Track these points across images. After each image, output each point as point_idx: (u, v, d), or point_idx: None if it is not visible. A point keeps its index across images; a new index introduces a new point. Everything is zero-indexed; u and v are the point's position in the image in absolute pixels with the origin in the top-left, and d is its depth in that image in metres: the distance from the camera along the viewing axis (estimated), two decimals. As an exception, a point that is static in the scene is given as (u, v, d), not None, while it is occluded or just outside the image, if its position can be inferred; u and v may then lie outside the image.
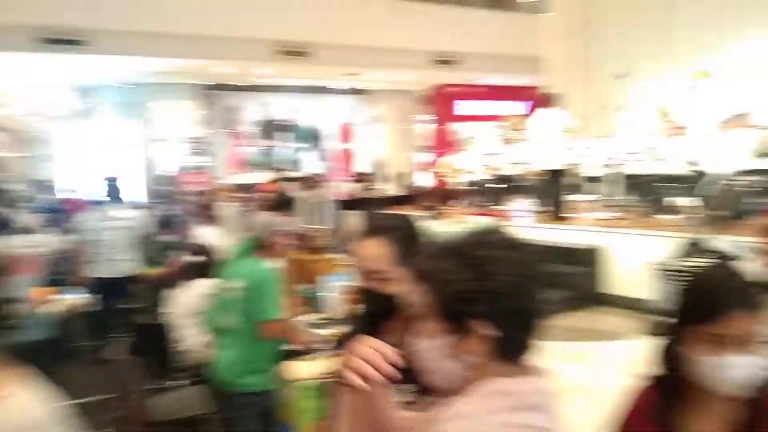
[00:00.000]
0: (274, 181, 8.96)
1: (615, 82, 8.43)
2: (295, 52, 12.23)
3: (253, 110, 16.02)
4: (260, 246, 3.24)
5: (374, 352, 1.03)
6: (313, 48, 12.28)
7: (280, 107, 16.32)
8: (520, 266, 0.99)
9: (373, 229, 1.53)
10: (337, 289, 3.86)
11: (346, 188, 13.39)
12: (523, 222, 8.68)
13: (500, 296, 0.97)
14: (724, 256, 4.32)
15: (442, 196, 5.94)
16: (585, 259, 7.21)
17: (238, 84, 15.35)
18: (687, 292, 1.33)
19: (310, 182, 10.80)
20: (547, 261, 7.42)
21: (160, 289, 4.92)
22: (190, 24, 11.03)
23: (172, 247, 6.13)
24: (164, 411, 3.90)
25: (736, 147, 7.01)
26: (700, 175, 7.24)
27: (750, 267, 4.43)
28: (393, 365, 1.02)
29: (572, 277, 7.10)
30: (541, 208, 8.97)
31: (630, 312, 6.58)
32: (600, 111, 8.18)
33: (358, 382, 1.02)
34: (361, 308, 1.53)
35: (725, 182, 4.76)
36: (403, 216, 1.66)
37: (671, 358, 1.32)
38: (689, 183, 7.51)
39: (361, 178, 14.02)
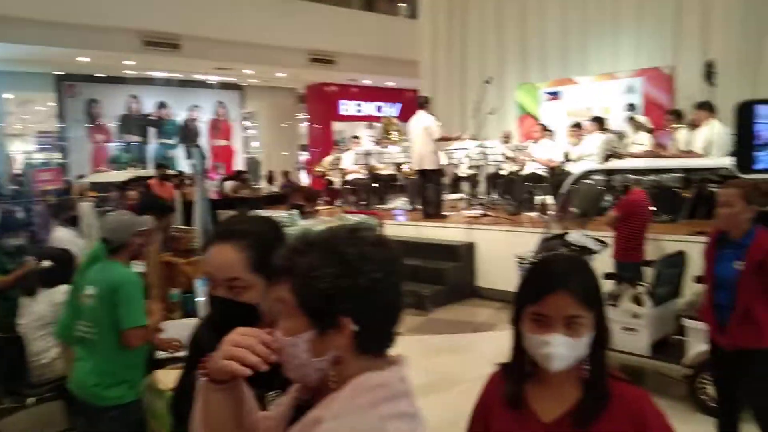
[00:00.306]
0: (139, 179, 8.37)
1: (484, 87, 8.89)
2: (164, 44, 11.57)
3: (118, 104, 14.93)
4: (115, 249, 2.98)
5: (248, 337, 0.98)
6: (183, 40, 11.70)
7: (148, 101, 15.36)
8: (384, 262, 0.99)
9: (225, 233, 1.42)
10: (211, 291, 3.67)
11: (220, 186, 12.89)
12: (400, 219, 8.90)
13: (365, 292, 0.96)
14: (579, 248, 4.68)
15: (312, 195, 5.92)
16: (461, 254, 7.53)
17: (102, 75, 14.24)
18: (523, 278, 1.41)
19: (179, 180, 10.25)
20: (424, 257, 7.66)
21: (9, 298, 4.42)
22: (50, 9, 10.02)
23: (21, 251, 5.53)
24: (22, 429, 3.55)
25: (591, 149, 7.67)
26: (562, 174, 7.84)
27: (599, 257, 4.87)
28: (268, 347, 0.98)
29: (449, 272, 7.39)
30: (418, 206, 9.23)
31: (502, 304, 6.98)
32: (473, 114, 8.58)
33: (236, 366, 0.96)
34: (209, 318, 1.42)
35: (582, 181, 5.17)
36: (264, 218, 1.56)
37: (516, 340, 1.38)
38: (552, 182, 8.11)
39: (235, 176, 13.57)
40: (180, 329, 3.21)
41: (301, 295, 0.97)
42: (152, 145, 15.47)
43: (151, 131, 15.47)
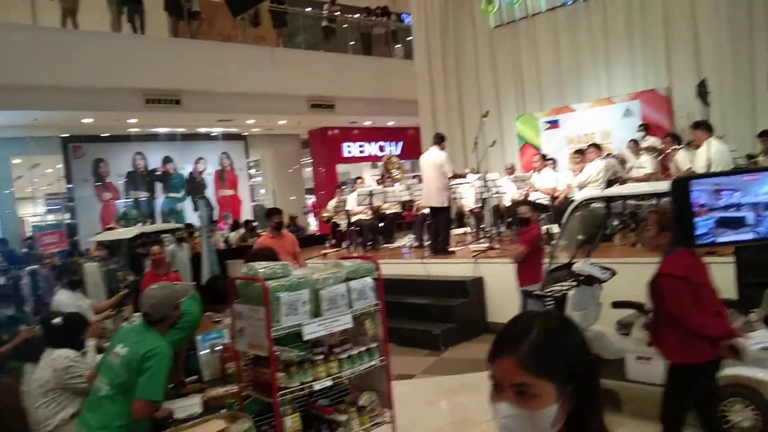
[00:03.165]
0: (146, 235, 8.41)
1: (483, 121, 8.97)
2: (165, 100, 11.81)
3: (125, 161, 15.18)
4: (155, 321, 3.03)
5: None
6: (184, 95, 11.95)
7: (153, 157, 15.60)
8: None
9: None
10: (212, 348, 3.64)
11: (228, 237, 12.96)
12: (409, 258, 8.86)
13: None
14: (585, 277, 4.62)
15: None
16: (470, 290, 7.46)
17: (107, 134, 14.53)
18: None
19: (183, 234, 10.33)
20: (434, 294, 7.58)
21: (8, 369, 4.40)
22: (54, 75, 10.30)
23: (14, 321, 5.52)
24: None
25: (593, 175, 7.65)
26: (566, 202, 7.81)
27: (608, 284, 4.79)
28: None
29: (459, 309, 7.31)
30: (425, 243, 9.20)
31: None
32: (474, 148, 8.63)
33: None
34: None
35: (585, 209, 5.14)
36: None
37: None
38: (556, 211, 8.07)
39: (242, 225, 13.64)
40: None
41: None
42: (160, 200, 15.64)
43: (158, 186, 15.68)
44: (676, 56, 9.42)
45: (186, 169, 16.11)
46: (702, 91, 6.91)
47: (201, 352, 3.80)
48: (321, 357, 2.92)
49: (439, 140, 8.26)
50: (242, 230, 13.50)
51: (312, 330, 2.81)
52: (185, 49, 11.98)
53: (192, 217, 14.30)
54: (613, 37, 10.13)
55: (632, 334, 4.31)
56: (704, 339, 2.99)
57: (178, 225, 11.61)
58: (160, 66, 11.47)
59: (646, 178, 7.70)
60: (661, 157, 8.00)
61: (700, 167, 6.70)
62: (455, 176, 8.35)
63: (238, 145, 17.05)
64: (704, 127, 6.83)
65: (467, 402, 5.28)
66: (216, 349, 3.72)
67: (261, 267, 2.84)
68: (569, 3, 10.68)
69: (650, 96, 9.51)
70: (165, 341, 3.05)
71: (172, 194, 15.85)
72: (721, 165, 6.61)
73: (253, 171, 17.93)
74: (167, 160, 15.79)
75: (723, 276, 3.87)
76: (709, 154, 6.48)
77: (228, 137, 16.68)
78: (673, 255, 3.06)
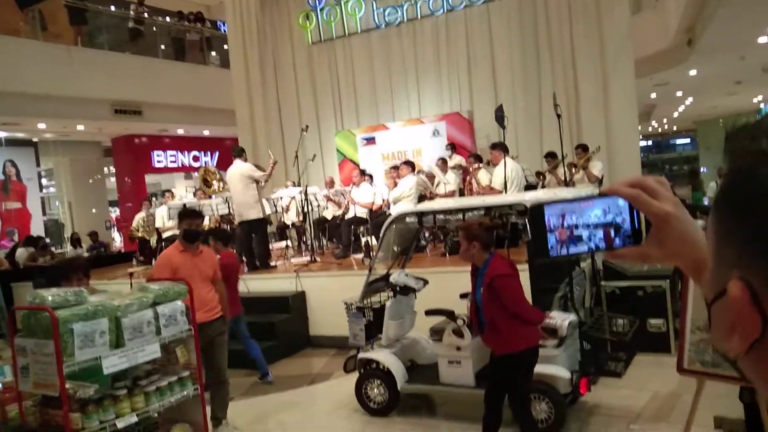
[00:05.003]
0: None
1: (302, 135, 8.98)
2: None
3: None
4: None
5: None
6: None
7: None
8: None
9: None
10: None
11: (14, 255, 11.29)
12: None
13: None
14: (401, 287, 4.82)
15: (87, 270, 4.25)
16: (292, 304, 7.35)
17: None
18: None
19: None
20: (255, 311, 7.35)
21: None
22: None
23: None
24: None
25: (406, 190, 8.05)
26: (382, 216, 8.10)
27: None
28: None
29: (281, 325, 7.15)
30: (245, 258, 8.90)
31: (336, 350, 6.90)
32: (295, 161, 8.57)
33: None
34: None
35: (400, 222, 5.38)
36: None
37: None
38: (374, 224, 8.34)
39: (31, 242, 11.98)
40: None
41: None
42: None
43: None
44: (477, 82, 10.37)
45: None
46: (499, 115, 7.64)
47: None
48: (124, 392, 2.63)
49: (240, 153, 8.21)
50: (32, 248, 11.85)
51: (112, 363, 2.52)
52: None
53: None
54: (422, 61, 10.84)
55: (444, 340, 4.57)
56: (531, 326, 3.55)
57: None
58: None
59: (452, 194, 8.32)
60: (466, 175, 8.70)
61: (498, 184, 7.39)
62: (263, 170, 8.11)
63: (27, 152, 15.01)
64: (500, 147, 7.56)
65: (290, 419, 5.18)
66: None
67: (49, 294, 2.48)
68: (382, 27, 11.18)
69: (455, 118, 10.32)
70: None
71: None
72: (516, 182, 7.37)
73: (45, 181, 15.93)
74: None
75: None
76: (505, 172, 7.17)
77: (13, 143, 14.60)
78: (493, 259, 3.55)
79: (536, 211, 0.75)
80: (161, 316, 2.77)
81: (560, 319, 4.28)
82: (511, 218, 5.26)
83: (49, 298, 2.45)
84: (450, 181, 8.46)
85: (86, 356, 2.44)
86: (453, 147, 9.64)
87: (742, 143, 0.51)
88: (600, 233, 0.73)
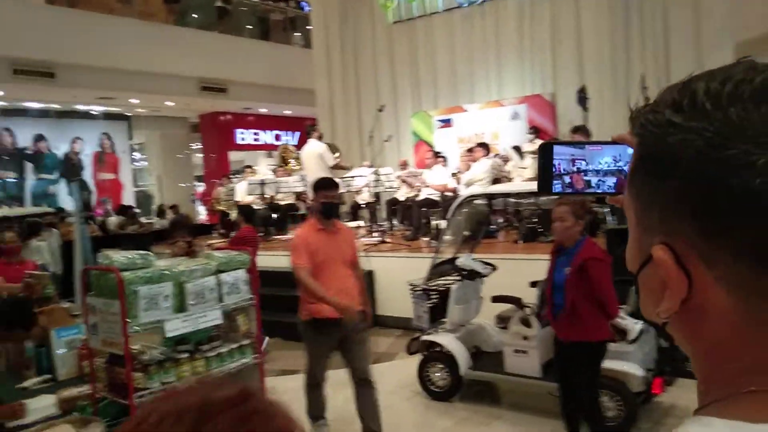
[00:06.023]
0: (7, 219, 7.56)
1: (379, 115, 8.95)
2: (37, 72, 10.74)
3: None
4: None
5: None
6: (59, 69, 10.92)
7: (23, 134, 14.18)
8: None
9: None
10: (68, 344, 3.29)
11: (104, 223, 12.04)
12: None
13: None
14: (467, 272, 4.70)
15: (192, 230, 4.81)
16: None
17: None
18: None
19: (59, 218, 9.47)
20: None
21: None
22: None
23: None
24: None
25: (480, 173, 7.85)
26: (454, 199, 7.96)
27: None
28: None
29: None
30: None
31: (402, 332, 6.88)
32: (370, 141, 8.57)
33: None
34: None
35: (468, 205, 5.24)
36: None
37: None
38: (446, 207, 8.21)
39: (122, 211, 12.74)
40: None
41: None
42: (31, 182, 14.27)
43: (29, 166, 14.29)
44: (560, 64, 9.91)
45: (61, 149, 14.81)
46: (581, 97, 7.29)
47: (57, 350, 3.46)
48: (186, 355, 2.70)
49: (311, 130, 8.21)
50: (122, 217, 12.60)
51: (175, 327, 2.58)
52: (62, 17, 10.96)
53: (66, 201, 13.18)
54: (505, 41, 10.47)
55: (510, 328, 4.43)
56: (607, 318, 3.39)
57: (48, 209, 10.63)
58: (32, 34, 10.39)
59: (529, 180, 8.03)
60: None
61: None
62: (338, 167, 8.21)
63: (121, 126, 15.92)
64: (583, 131, 7.20)
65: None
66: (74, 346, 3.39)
67: (118, 256, 2.57)
68: (465, 5, 10.90)
69: (536, 100, 9.94)
70: None
71: (44, 175, 14.52)
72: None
73: (137, 155, 16.84)
74: (39, 138, 14.43)
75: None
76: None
77: (109, 117, 15.52)
78: (586, 241, 3.40)
79: (546, 148, 0.75)
80: (224, 283, 2.82)
81: (632, 322, 4.03)
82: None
83: (118, 260, 2.55)
84: (527, 165, 8.17)
85: (150, 318, 2.52)
86: (536, 131, 9.27)
87: (647, 117, 0.54)
88: (610, 180, 0.73)
